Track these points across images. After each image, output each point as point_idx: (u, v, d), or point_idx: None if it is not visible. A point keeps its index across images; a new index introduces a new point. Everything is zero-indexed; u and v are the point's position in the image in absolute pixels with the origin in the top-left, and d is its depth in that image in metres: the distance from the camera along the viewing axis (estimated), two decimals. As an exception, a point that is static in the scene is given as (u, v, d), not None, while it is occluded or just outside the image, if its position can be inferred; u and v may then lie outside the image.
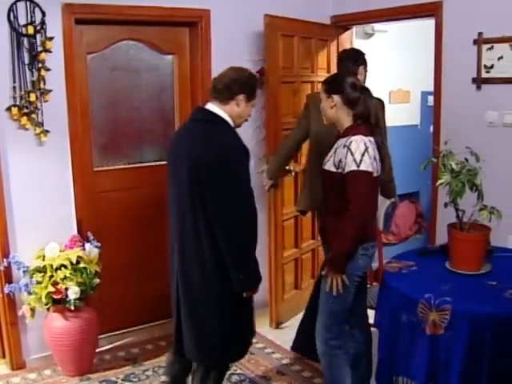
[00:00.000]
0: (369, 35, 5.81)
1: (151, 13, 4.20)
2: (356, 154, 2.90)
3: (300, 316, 4.32)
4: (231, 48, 4.62)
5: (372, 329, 3.45)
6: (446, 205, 3.09)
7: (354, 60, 3.93)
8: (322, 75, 5.01)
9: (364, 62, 3.98)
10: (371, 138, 3.00)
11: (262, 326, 4.60)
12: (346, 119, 3.08)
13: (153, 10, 4.20)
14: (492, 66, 4.03)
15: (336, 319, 3.19)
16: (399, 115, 5.95)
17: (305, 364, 4.12)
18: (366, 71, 4.00)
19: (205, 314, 3.03)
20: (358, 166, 2.89)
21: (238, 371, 4.02)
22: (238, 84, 3.05)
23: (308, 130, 4.02)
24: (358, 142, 2.93)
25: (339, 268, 3.02)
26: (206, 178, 2.87)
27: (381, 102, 4.05)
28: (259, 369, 4.07)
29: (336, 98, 3.07)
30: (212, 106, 3.06)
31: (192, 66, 4.62)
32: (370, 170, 2.91)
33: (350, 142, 2.94)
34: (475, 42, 4.08)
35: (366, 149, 2.92)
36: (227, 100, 3.02)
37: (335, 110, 3.09)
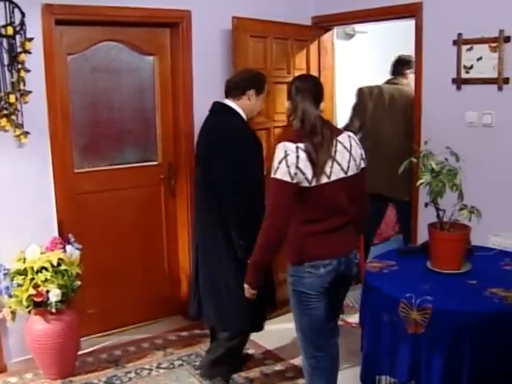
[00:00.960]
0: (350, 36, 5.85)
1: (132, 14, 4.19)
2: (275, 161, 2.80)
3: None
4: (212, 49, 4.63)
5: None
6: (426, 204, 3.11)
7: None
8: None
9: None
10: (300, 144, 2.82)
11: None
12: (294, 124, 3.00)
13: (133, 11, 4.19)
14: (471, 67, 4.06)
15: (306, 338, 3.09)
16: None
17: (288, 364, 4.14)
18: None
19: (218, 279, 3.60)
20: (274, 174, 2.79)
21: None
22: (246, 81, 3.65)
23: None
24: (280, 148, 2.82)
25: (249, 279, 2.96)
26: (216, 157, 3.47)
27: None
28: (242, 370, 4.07)
29: (287, 103, 3.06)
30: (227, 101, 3.65)
31: (173, 67, 4.62)
32: (284, 178, 2.76)
33: (275, 149, 2.88)
34: (455, 42, 4.11)
35: (285, 156, 2.77)
36: (239, 95, 3.61)
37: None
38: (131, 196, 4.60)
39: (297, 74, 4.88)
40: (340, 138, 2.95)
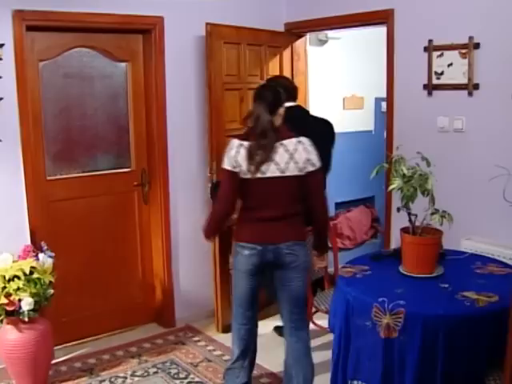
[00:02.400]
0: (322, 42, 5.88)
1: (104, 20, 4.18)
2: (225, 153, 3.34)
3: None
4: (185, 55, 4.64)
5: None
6: (398, 209, 3.14)
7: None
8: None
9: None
10: (244, 142, 3.27)
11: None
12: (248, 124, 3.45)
13: (106, 18, 4.17)
14: (442, 73, 4.12)
15: (234, 304, 3.53)
16: (353, 121, 6.05)
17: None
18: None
19: None
20: (222, 164, 3.35)
21: (196, 379, 4.01)
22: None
23: None
24: (229, 143, 3.35)
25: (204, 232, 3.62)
26: None
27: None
28: (217, 376, 4.06)
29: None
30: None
31: (146, 73, 4.61)
32: (227, 167, 3.28)
33: None
34: (426, 49, 4.17)
35: (229, 150, 3.30)
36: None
37: None
38: (104, 203, 4.58)
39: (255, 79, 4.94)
40: (285, 141, 3.27)
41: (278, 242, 3.31)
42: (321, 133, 4.09)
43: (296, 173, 3.25)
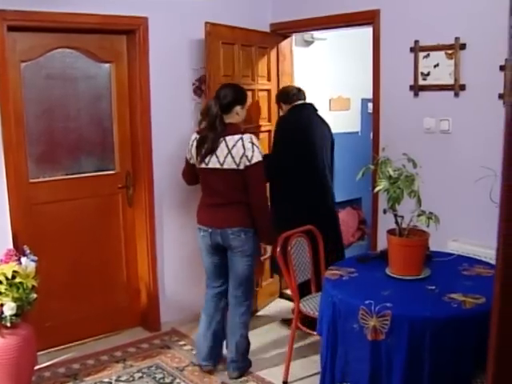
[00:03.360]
0: (308, 43, 5.88)
1: (87, 20, 4.15)
2: None
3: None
4: (171, 56, 4.62)
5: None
6: (384, 211, 3.15)
7: None
8: (263, 83, 5.05)
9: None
10: (198, 136, 3.88)
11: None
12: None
13: (89, 18, 4.15)
14: (428, 74, 4.13)
15: (205, 272, 4.11)
16: (340, 122, 6.04)
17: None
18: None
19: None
20: None
21: (182, 383, 4.00)
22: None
23: None
24: None
25: None
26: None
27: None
28: (203, 380, 4.04)
29: None
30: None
31: (130, 74, 4.58)
32: (187, 155, 3.99)
33: None
34: (412, 49, 4.18)
35: (189, 142, 3.95)
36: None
37: None
38: (88, 206, 4.55)
39: (260, 81, 4.95)
40: (228, 137, 3.72)
41: (223, 226, 3.82)
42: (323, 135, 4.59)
43: (233, 166, 3.70)
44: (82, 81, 4.47)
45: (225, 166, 3.71)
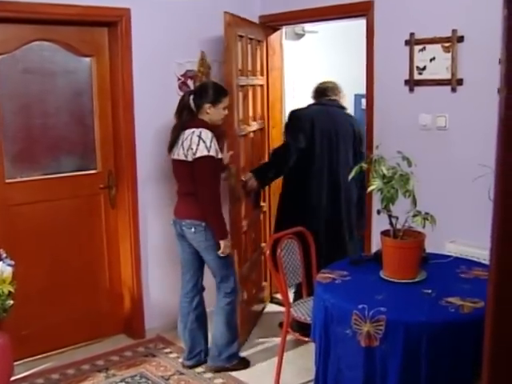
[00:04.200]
0: (299, 36, 5.90)
1: (66, 11, 4.13)
2: None
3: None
4: (155, 50, 4.60)
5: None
6: (378, 212, 3.15)
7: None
8: (258, 78, 5.05)
9: None
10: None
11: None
12: None
13: (68, 9, 4.12)
14: (424, 68, 4.14)
15: None
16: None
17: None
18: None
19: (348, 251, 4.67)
20: None
21: (167, 394, 3.99)
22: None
23: None
24: None
25: None
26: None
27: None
28: (190, 390, 4.04)
29: None
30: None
31: (112, 69, 4.57)
32: None
33: None
34: (407, 42, 4.18)
35: None
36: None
37: None
38: (68, 207, 4.52)
39: (254, 75, 4.94)
40: (187, 130, 3.98)
41: (181, 217, 4.13)
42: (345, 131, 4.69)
43: (183, 158, 3.98)
44: (61, 75, 4.45)
45: (178, 158, 4.03)
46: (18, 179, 4.33)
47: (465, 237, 3.94)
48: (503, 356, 0.83)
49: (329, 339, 2.98)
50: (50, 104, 4.43)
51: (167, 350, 4.61)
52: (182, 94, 4.69)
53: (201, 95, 4.08)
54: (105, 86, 4.59)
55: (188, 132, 3.97)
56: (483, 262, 3.56)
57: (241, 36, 4.62)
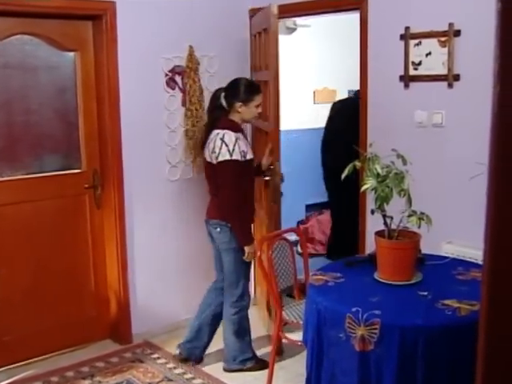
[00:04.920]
0: (291, 30, 5.90)
1: (48, 4, 4.11)
2: None
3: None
4: (142, 44, 4.59)
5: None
6: (372, 211, 3.15)
7: None
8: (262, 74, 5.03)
9: None
10: None
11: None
12: None
13: (50, 1, 4.11)
14: (420, 63, 4.15)
15: None
16: (325, 116, 6.06)
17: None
18: None
19: None
20: None
21: (155, 401, 3.99)
22: None
23: None
24: None
25: None
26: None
27: None
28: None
29: None
30: None
31: (97, 64, 4.55)
32: None
33: None
34: (402, 37, 4.19)
35: None
36: None
37: None
38: (52, 208, 4.51)
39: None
40: (213, 131, 4.04)
41: (209, 217, 4.22)
42: None
43: (209, 160, 4.08)
44: (43, 71, 4.43)
45: (207, 159, 4.11)
46: (-1, 179, 4.33)
47: (462, 237, 3.96)
48: (498, 359, 0.84)
49: (321, 343, 2.98)
50: (32, 100, 4.41)
51: (155, 356, 4.60)
52: (169, 91, 4.71)
53: (232, 93, 4.09)
54: (89, 82, 4.58)
55: (214, 133, 4.02)
56: (481, 263, 3.57)
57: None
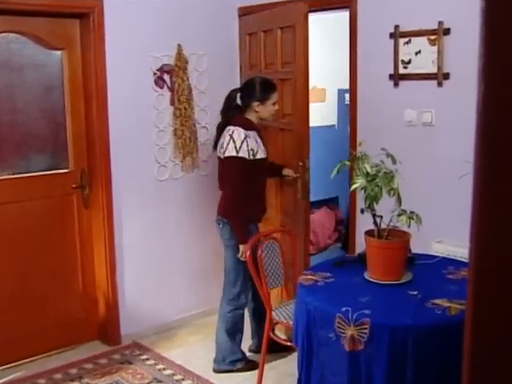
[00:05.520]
0: (280, 28, 5.89)
1: (35, 2, 4.10)
2: None
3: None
4: (130, 43, 4.58)
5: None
6: (362, 211, 3.16)
7: None
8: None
9: None
10: None
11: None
12: None
13: None
14: (410, 61, 4.16)
15: None
16: (314, 115, 6.04)
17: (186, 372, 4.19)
18: None
19: None
20: None
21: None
22: None
23: None
24: None
25: None
26: None
27: None
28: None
29: None
30: None
31: (84, 63, 4.54)
32: None
33: None
34: (391, 35, 4.20)
35: None
36: None
37: None
38: (39, 208, 4.49)
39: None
40: (228, 127, 4.07)
41: (217, 213, 4.24)
42: None
43: (219, 155, 4.15)
44: (30, 70, 4.42)
45: (218, 154, 4.18)
46: (-15, 179, 4.31)
47: (452, 236, 3.97)
48: (484, 360, 0.85)
49: (311, 343, 2.99)
50: (18, 100, 4.40)
51: (144, 357, 4.59)
52: (158, 89, 4.70)
53: (248, 93, 4.14)
54: (77, 81, 4.57)
55: (226, 129, 4.08)
56: (471, 262, 3.59)
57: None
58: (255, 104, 4.09)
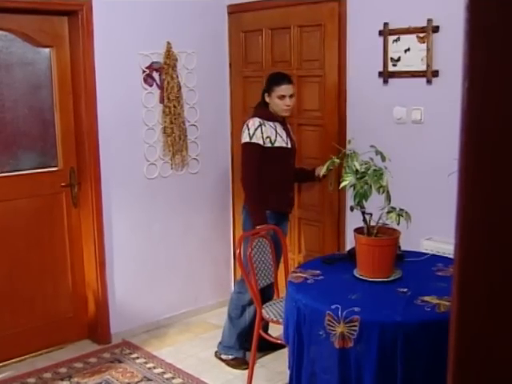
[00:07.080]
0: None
1: None
2: None
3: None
4: (119, 40, 4.58)
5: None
6: (351, 208, 3.17)
7: None
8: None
9: None
10: None
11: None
12: None
13: (25, -3, 4.10)
14: (399, 59, 4.17)
15: None
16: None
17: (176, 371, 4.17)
18: None
19: None
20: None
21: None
22: None
23: None
24: None
25: None
26: None
27: None
28: None
29: None
30: None
31: (73, 60, 4.53)
32: None
33: None
34: (381, 33, 4.21)
35: None
36: None
37: None
38: (27, 207, 4.48)
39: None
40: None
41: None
42: None
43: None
44: (17, 67, 4.40)
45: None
46: (-27, 178, 4.29)
47: (441, 234, 3.98)
48: (469, 358, 0.85)
49: (302, 341, 3.00)
50: (6, 97, 4.38)
51: (134, 356, 4.59)
52: (147, 87, 4.70)
53: (264, 85, 4.31)
54: (65, 79, 4.56)
55: (248, 120, 4.26)
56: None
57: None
58: (265, 95, 4.22)
